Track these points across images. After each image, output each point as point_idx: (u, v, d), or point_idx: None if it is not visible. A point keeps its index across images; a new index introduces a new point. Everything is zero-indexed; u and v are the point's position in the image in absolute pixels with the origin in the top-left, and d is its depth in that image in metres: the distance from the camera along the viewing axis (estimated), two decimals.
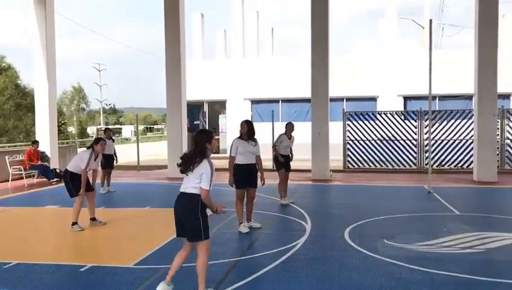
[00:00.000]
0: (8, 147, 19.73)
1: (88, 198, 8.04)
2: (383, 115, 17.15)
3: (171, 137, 15.66)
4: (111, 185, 12.30)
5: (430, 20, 12.06)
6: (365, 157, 17.08)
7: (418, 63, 20.14)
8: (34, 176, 14.84)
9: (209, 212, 4.52)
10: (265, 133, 17.47)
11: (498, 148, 15.02)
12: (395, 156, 16.92)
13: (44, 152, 15.77)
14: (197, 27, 27.19)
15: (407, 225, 7.97)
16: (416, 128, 16.74)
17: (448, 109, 17.26)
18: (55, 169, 15.02)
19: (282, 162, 9.88)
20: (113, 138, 14.12)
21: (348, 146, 17.09)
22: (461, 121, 16.49)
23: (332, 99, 16.20)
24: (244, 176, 7.42)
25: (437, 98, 21.38)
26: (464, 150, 16.36)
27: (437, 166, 16.33)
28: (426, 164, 15.64)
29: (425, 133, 16.25)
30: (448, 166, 16.56)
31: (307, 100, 15.68)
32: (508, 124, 16.04)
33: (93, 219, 8.12)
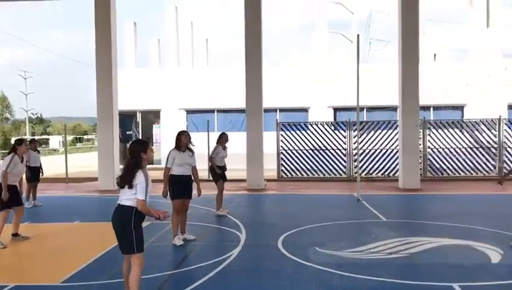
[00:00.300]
0: None
1: (16, 213, 7.60)
2: (314, 126, 17.69)
3: (102, 148, 15.16)
4: (37, 199, 11.68)
5: (358, 35, 12.66)
6: (298, 167, 17.49)
7: (347, 75, 20.98)
8: None
9: (145, 223, 4.44)
10: (201, 143, 17.46)
11: (420, 157, 15.94)
12: (326, 165, 17.47)
13: None
14: (130, 35, 26.65)
15: (338, 232, 8.25)
16: (345, 138, 17.42)
17: (375, 120, 18.12)
18: None
19: (220, 173, 9.89)
20: (39, 149, 13.44)
21: (282, 156, 17.43)
22: (387, 131, 17.36)
23: (266, 110, 16.48)
24: (181, 187, 7.34)
25: (365, 110, 22.36)
26: (390, 159, 17.21)
27: (365, 174, 17.04)
28: (355, 173, 16.27)
29: (354, 143, 16.97)
30: (375, 174, 17.34)
31: (242, 110, 15.84)
32: (429, 134, 17.09)
33: (15, 235, 7.67)
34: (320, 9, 25.62)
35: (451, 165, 17.09)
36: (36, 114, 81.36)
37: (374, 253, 6.66)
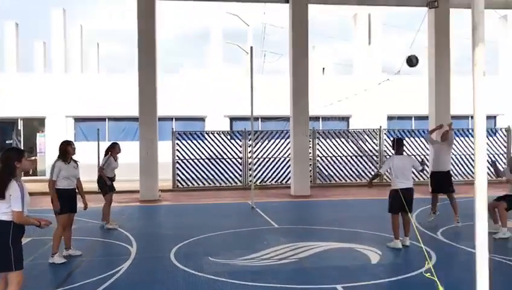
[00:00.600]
0: None
1: None
2: (211, 135, 17.75)
3: None
4: None
5: (251, 47, 12.99)
6: (194, 176, 17.39)
7: (242, 86, 21.38)
8: None
9: (26, 239, 4.10)
10: (90, 153, 16.60)
11: (310, 165, 16.73)
12: (222, 174, 17.59)
13: None
14: (11, 37, 24.59)
15: (232, 240, 8.32)
16: (241, 147, 17.71)
17: (270, 130, 18.68)
18: None
19: (110, 185, 9.46)
20: None
21: (177, 165, 17.20)
22: (280, 140, 17.99)
23: (161, 119, 16.18)
24: (68, 201, 6.95)
25: (259, 120, 22.94)
26: (283, 167, 17.83)
27: (260, 182, 17.46)
28: (250, 181, 16.60)
29: (249, 152, 17.32)
30: (269, 182, 17.84)
31: (135, 119, 15.36)
32: (318, 143, 18.03)
33: None
34: (216, 19, 25.86)
35: (338, 172, 18.18)
36: None
37: (266, 260, 6.81)
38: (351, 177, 18.19)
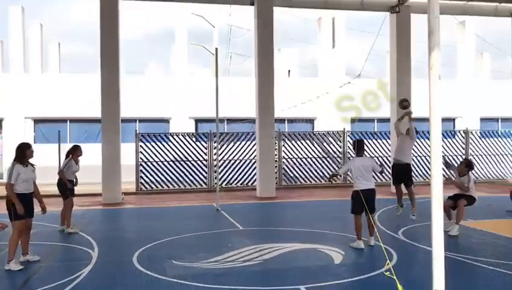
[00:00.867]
0: None
1: None
2: (176, 137, 17.56)
3: None
4: None
5: (216, 49, 12.96)
6: (158, 179, 17.15)
7: (208, 87, 21.29)
8: None
9: None
10: (51, 156, 16.15)
11: (276, 166, 16.81)
12: (187, 176, 17.43)
13: None
14: None
15: (196, 243, 8.25)
16: (206, 149, 17.61)
17: (235, 132, 18.66)
18: None
19: (71, 188, 9.22)
20: None
21: (141, 167, 16.92)
22: (246, 142, 17.99)
23: (125, 120, 15.90)
24: (27, 206, 6.72)
25: (225, 121, 22.91)
26: (249, 169, 17.84)
27: (225, 184, 17.41)
28: (215, 183, 16.52)
29: (215, 154, 17.20)
30: (235, 184, 17.80)
31: (98, 120, 15.02)
32: (283, 145, 18.14)
33: None
34: (181, 20, 25.69)
35: (304, 174, 18.34)
36: None
37: (230, 262, 6.79)
38: (315, 179, 18.38)
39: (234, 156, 17.88)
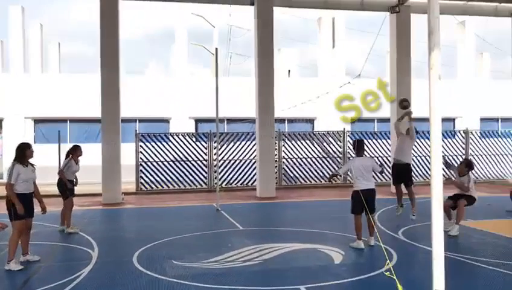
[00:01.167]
0: None
1: None
2: (176, 137, 17.56)
3: None
4: None
5: (216, 49, 12.96)
6: (158, 179, 17.15)
7: (208, 87, 21.29)
8: None
9: None
10: (51, 156, 16.15)
11: (276, 166, 16.81)
12: (187, 176, 17.43)
13: None
14: None
15: (196, 243, 8.25)
16: (206, 149, 17.60)
17: (235, 132, 18.66)
18: None
19: (71, 188, 9.23)
20: None
21: (141, 168, 16.92)
22: (246, 142, 17.99)
23: (125, 120, 15.90)
24: (27, 206, 6.72)
25: (225, 121, 22.90)
26: (249, 169, 17.83)
27: (225, 184, 17.40)
28: (215, 183, 16.53)
29: (215, 154, 17.20)
30: (235, 184, 17.80)
31: (98, 120, 15.02)
32: (284, 145, 18.14)
33: None
34: (181, 20, 25.68)
35: (304, 174, 18.34)
36: None
37: (230, 262, 6.78)
38: (315, 179, 18.38)
39: (234, 156, 17.88)
